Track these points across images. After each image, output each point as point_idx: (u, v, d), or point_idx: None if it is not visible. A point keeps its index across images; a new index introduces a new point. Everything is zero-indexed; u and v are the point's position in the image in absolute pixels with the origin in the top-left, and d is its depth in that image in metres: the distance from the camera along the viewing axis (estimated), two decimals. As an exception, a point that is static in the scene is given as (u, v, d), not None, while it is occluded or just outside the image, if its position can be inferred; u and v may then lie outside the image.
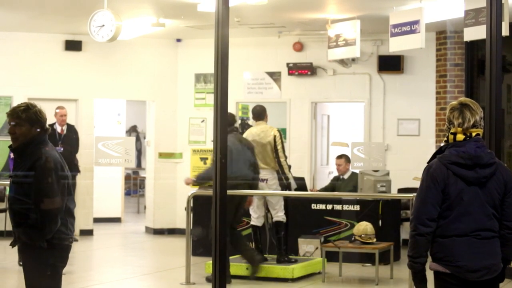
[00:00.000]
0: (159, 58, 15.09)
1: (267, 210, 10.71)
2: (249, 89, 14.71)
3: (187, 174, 14.92)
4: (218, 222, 5.80)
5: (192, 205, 10.51)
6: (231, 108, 13.97)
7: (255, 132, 10.57)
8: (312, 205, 11.79)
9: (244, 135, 10.68)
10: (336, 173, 13.05)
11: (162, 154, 15.02)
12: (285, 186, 10.47)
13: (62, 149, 13.77)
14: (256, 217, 10.61)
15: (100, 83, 14.69)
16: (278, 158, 10.36)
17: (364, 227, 10.47)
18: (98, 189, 15.24)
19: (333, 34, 12.00)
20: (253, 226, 10.60)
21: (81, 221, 14.49)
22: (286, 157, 10.59)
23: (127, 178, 19.81)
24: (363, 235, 10.41)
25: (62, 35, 14.38)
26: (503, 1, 6.14)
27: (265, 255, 10.64)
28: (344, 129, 16.57)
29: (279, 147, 10.38)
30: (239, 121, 15.22)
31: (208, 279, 9.88)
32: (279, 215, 10.58)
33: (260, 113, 10.70)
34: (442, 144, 4.85)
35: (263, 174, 10.42)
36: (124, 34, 11.30)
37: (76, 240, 13.88)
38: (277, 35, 14.07)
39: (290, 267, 10.24)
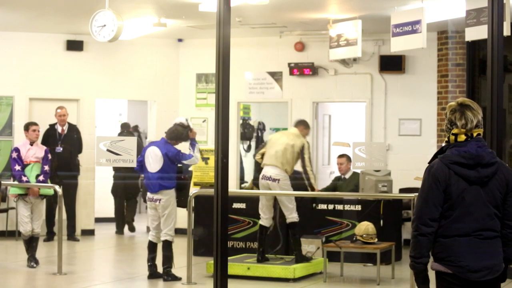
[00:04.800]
0: (161, 58, 15.10)
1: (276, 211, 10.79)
2: (250, 89, 14.72)
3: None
4: (219, 222, 5.80)
5: (193, 205, 10.52)
6: (233, 108, 13.99)
7: (287, 133, 10.81)
8: (314, 205, 11.79)
9: (276, 134, 10.84)
10: (337, 173, 13.05)
11: (164, 154, 14.99)
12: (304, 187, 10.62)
13: (61, 149, 13.77)
14: (265, 218, 10.63)
15: (101, 83, 14.70)
16: (304, 167, 10.47)
17: (365, 227, 10.47)
18: (99, 189, 15.24)
19: (335, 34, 12.00)
20: (261, 226, 10.64)
21: (83, 221, 14.51)
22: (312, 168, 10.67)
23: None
24: (364, 235, 10.41)
25: (64, 35, 14.39)
26: (504, 1, 6.13)
27: (266, 255, 10.66)
28: (345, 129, 16.58)
29: (306, 156, 10.45)
30: (240, 121, 15.23)
31: None
32: (293, 216, 10.62)
33: (303, 122, 10.90)
34: (443, 144, 4.85)
35: (275, 174, 10.44)
36: (125, 34, 11.31)
37: (78, 240, 13.91)
38: (279, 35, 14.07)
39: (291, 267, 10.25)
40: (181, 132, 10.35)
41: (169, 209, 10.15)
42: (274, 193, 10.54)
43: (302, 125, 10.86)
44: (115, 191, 15.39)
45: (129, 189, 15.39)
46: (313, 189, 10.57)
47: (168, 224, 10.16)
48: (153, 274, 10.25)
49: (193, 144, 10.25)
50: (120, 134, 15.42)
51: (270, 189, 10.50)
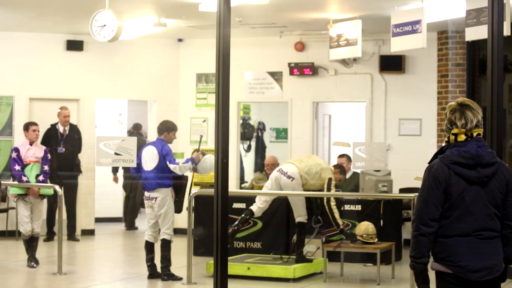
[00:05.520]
0: (161, 58, 15.09)
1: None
2: (250, 89, 14.71)
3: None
4: (219, 222, 5.80)
5: (193, 205, 10.51)
6: (233, 108, 14.00)
7: (325, 162, 10.98)
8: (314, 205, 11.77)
9: (310, 163, 10.69)
10: (337, 173, 13.05)
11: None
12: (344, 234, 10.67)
13: (64, 149, 13.78)
14: (258, 206, 10.54)
15: (101, 83, 14.69)
16: (329, 203, 10.42)
17: (365, 227, 10.47)
18: (99, 189, 15.25)
19: (335, 34, 12.00)
20: (251, 211, 10.56)
21: (83, 221, 14.51)
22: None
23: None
24: (364, 235, 10.41)
25: (64, 35, 14.39)
26: (504, 1, 6.13)
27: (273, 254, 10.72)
28: (345, 129, 16.58)
29: (333, 191, 10.44)
30: (240, 121, 15.23)
31: None
32: (302, 216, 10.63)
33: (340, 167, 11.53)
34: (443, 144, 4.85)
35: (292, 172, 10.38)
36: (125, 34, 11.31)
37: (78, 240, 13.91)
38: (279, 35, 14.07)
39: (291, 267, 10.24)
40: (172, 124, 10.49)
41: (165, 208, 10.15)
42: (273, 193, 10.53)
43: (339, 168, 11.34)
44: (124, 189, 15.72)
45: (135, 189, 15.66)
46: (338, 225, 10.52)
47: (166, 223, 10.16)
48: (153, 274, 10.25)
49: (188, 160, 10.23)
50: (130, 135, 15.70)
51: (280, 183, 10.42)
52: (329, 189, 10.37)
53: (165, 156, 10.13)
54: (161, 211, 10.15)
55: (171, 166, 10.07)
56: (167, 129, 10.40)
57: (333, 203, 10.45)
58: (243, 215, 10.56)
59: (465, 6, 9.89)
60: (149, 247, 10.28)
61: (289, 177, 10.36)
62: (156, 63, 15.06)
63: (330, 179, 10.45)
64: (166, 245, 10.19)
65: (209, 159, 10.32)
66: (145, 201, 10.30)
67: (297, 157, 11.16)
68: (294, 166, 10.44)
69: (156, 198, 10.15)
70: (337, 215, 10.46)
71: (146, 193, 10.24)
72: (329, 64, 13.96)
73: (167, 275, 10.16)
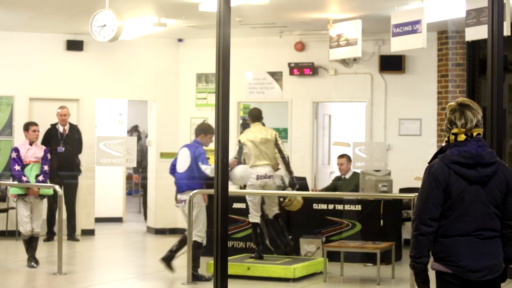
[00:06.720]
0: (161, 58, 15.09)
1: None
2: (250, 89, 14.72)
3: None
4: (219, 222, 5.80)
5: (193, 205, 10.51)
6: (233, 108, 14.00)
7: (256, 130, 10.86)
8: (314, 205, 11.78)
9: (245, 135, 10.85)
10: (337, 173, 13.05)
11: (164, 154, 15.01)
12: (284, 184, 10.87)
13: (63, 149, 13.78)
14: (258, 215, 10.75)
15: (101, 83, 14.70)
16: (282, 154, 10.74)
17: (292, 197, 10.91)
18: (99, 189, 15.25)
19: (335, 34, 12.01)
20: (256, 224, 10.71)
21: (83, 221, 14.51)
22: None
23: (129, 178, 19.82)
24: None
25: (64, 35, 14.39)
26: (504, 1, 6.13)
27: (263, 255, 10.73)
28: (345, 129, 16.57)
29: (281, 143, 10.76)
30: (240, 121, 15.23)
31: None
32: (276, 209, 10.90)
33: (258, 115, 11.06)
34: (443, 144, 4.86)
35: (269, 171, 10.68)
36: (125, 34, 11.31)
37: (78, 240, 13.91)
38: (279, 35, 14.07)
39: (291, 267, 10.24)
40: (208, 126, 10.48)
41: (195, 210, 10.05)
42: (275, 193, 10.55)
43: (261, 116, 11.16)
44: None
45: None
46: (291, 172, 10.82)
47: (197, 225, 10.10)
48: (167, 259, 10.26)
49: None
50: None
51: (264, 187, 10.71)
52: (278, 144, 10.76)
53: (197, 157, 10.10)
54: (191, 213, 10.04)
55: (203, 167, 10.02)
56: (204, 131, 10.39)
57: (285, 152, 10.88)
58: (257, 233, 10.81)
59: (465, 6, 9.90)
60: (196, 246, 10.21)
61: (269, 177, 10.74)
62: (156, 63, 15.06)
63: (275, 137, 10.80)
64: (196, 247, 10.06)
65: (239, 169, 10.25)
66: (176, 204, 10.33)
67: (252, 155, 10.97)
68: (265, 166, 10.71)
69: (185, 200, 10.10)
70: (290, 165, 10.88)
71: (178, 196, 10.24)
72: (329, 64, 13.96)
73: (193, 275, 10.03)
